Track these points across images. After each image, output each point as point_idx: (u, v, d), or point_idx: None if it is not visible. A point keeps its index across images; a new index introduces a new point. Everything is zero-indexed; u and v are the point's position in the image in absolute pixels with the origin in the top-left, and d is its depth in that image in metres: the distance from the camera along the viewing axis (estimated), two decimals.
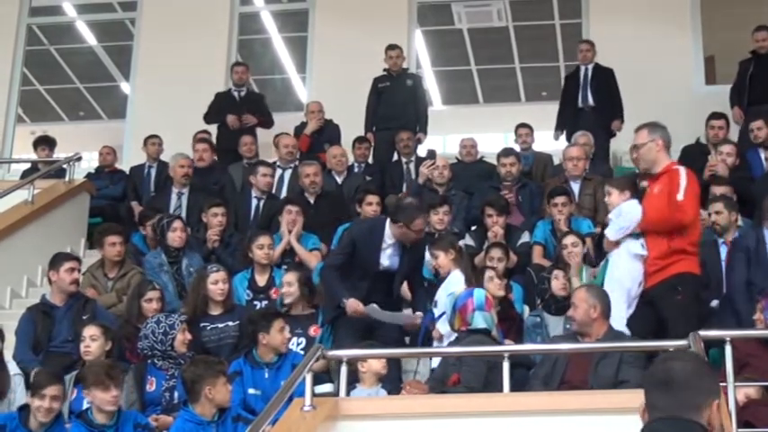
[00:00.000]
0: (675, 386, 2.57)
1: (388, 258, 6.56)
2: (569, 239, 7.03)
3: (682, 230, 5.88)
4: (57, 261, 6.96)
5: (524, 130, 10.15)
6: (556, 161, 9.86)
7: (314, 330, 6.58)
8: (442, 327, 6.18)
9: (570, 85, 10.56)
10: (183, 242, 7.69)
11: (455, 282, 6.41)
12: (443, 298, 6.22)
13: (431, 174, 8.80)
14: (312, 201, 8.76)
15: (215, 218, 8.07)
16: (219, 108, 10.71)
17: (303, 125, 10.52)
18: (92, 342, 6.05)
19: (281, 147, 9.57)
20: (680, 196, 5.85)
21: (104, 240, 7.71)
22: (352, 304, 6.34)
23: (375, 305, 6.41)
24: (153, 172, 10.09)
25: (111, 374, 5.24)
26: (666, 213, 5.88)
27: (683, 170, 6.02)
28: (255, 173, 8.95)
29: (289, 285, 6.77)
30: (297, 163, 9.53)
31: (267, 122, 10.85)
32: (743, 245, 6.82)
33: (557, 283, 6.76)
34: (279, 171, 9.47)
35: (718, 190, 7.80)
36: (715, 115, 9.30)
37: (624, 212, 6.11)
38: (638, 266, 5.97)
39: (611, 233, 6.09)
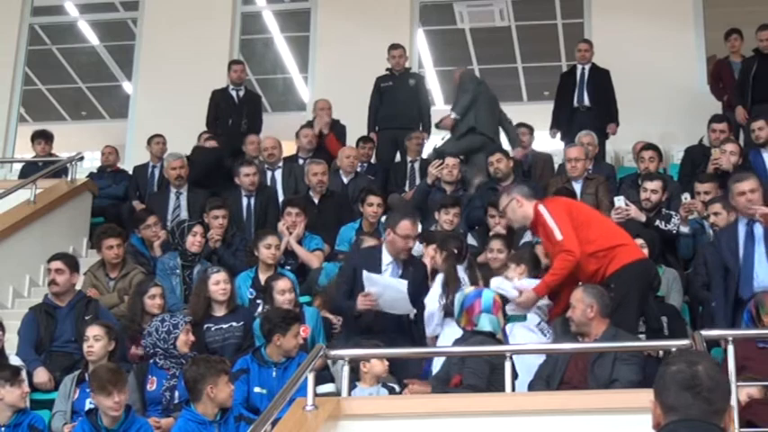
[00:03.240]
0: (703, 390, 2.54)
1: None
2: None
3: (587, 248, 6.07)
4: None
5: (525, 129, 10.15)
6: (557, 160, 9.87)
7: (303, 330, 6.57)
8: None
9: (566, 84, 10.59)
10: (201, 248, 7.69)
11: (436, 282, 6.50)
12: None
13: (440, 173, 8.81)
14: (316, 200, 8.77)
15: (216, 220, 8.06)
16: (219, 111, 10.65)
17: (309, 124, 10.52)
18: (95, 342, 6.06)
19: (262, 150, 9.55)
20: (557, 236, 6.10)
21: (102, 243, 7.71)
22: (360, 300, 6.33)
23: (366, 273, 6.39)
24: (156, 172, 10.06)
25: (114, 380, 5.25)
26: (559, 261, 6.09)
27: (542, 208, 6.25)
28: (238, 174, 8.93)
29: (290, 292, 6.74)
30: (282, 162, 9.53)
31: (257, 130, 10.72)
32: None
33: None
34: (269, 172, 9.45)
35: (702, 188, 7.81)
36: (716, 118, 9.29)
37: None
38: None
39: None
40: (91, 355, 6.06)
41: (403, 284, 6.37)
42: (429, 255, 6.83)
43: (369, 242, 7.32)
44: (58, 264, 6.94)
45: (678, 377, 2.58)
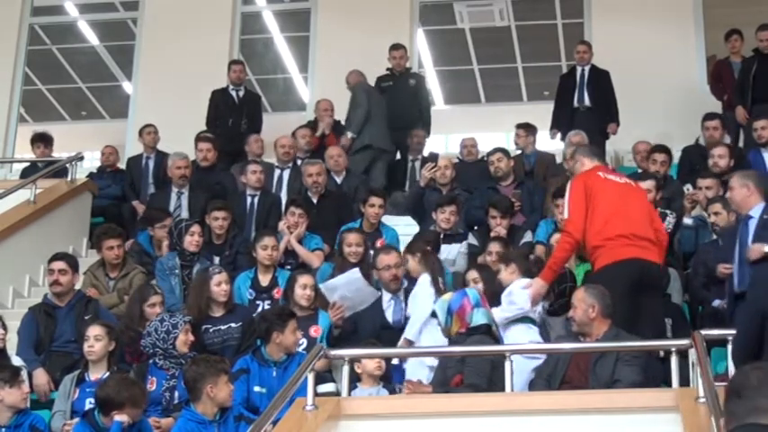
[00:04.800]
0: (747, 392, 2.57)
1: (392, 314, 6.61)
2: None
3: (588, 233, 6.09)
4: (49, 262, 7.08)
5: (519, 130, 10.06)
6: (559, 160, 9.87)
7: (315, 331, 6.56)
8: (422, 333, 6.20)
9: (566, 85, 10.59)
10: (199, 247, 7.67)
11: (421, 283, 6.44)
12: (412, 302, 6.38)
13: (433, 176, 8.81)
14: (315, 201, 8.76)
15: (216, 221, 8.03)
16: (219, 111, 10.64)
17: (307, 124, 10.50)
18: (96, 342, 6.05)
19: (278, 147, 9.55)
20: (565, 213, 6.22)
21: (102, 244, 7.69)
22: (331, 314, 6.43)
23: (322, 284, 6.63)
24: (151, 164, 10.05)
25: (143, 392, 5.34)
26: (559, 244, 6.22)
27: (569, 183, 6.30)
28: (245, 171, 8.93)
29: (311, 289, 6.70)
30: (292, 163, 9.53)
31: (257, 130, 10.70)
32: None
33: None
34: (277, 171, 9.45)
35: (703, 183, 7.83)
36: (709, 116, 9.29)
37: (513, 295, 6.17)
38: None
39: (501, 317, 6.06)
40: (91, 355, 6.05)
41: (354, 272, 6.60)
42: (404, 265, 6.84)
43: (350, 238, 7.40)
44: (61, 264, 6.93)
45: (729, 385, 2.64)
